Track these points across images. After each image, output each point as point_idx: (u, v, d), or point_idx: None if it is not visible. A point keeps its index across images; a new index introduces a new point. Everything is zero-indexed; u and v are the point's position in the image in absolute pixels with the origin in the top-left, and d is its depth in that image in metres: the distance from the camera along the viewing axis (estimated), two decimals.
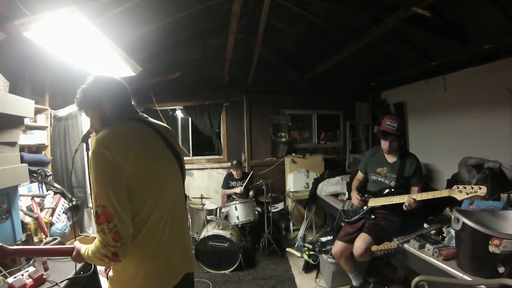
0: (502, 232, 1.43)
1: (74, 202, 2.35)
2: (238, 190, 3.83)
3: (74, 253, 1.05)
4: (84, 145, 1.14)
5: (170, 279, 1.04)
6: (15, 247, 1.15)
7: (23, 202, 1.92)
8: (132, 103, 1.15)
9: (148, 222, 0.97)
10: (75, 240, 1.12)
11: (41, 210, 2.02)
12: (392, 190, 2.19)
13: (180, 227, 1.13)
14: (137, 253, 0.96)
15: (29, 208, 1.94)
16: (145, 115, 1.16)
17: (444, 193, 1.84)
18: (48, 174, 2.30)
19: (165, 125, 1.23)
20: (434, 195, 1.89)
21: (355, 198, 2.35)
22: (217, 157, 4.64)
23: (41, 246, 1.35)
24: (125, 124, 1.03)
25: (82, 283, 1.50)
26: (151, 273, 0.99)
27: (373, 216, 2.23)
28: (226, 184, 4.04)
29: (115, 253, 0.87)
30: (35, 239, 1.89)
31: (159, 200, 1.00)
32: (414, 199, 1.95)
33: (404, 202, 2.04)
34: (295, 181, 4.26)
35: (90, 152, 0.92)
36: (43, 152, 2.48)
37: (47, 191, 2.24)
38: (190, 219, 3.72)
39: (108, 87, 1.09)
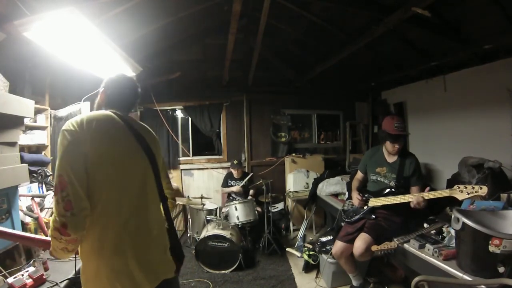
0: (502, 232, 1.43)
1: None
2: (234, 188, 3.85)
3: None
4: None
5: (142, 283, 1.00)
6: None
7: (23, 202, 1.92)
8: (124, 101, 1.20)
9: (109, 210, 0.98)
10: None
11: (41, 210, 2.01)
12: (392, 190, 2.19)
13: (154, 227, 1.10)
14: (95, 245, 0.97)
15: (29, 208, 1.93)
16: (127, 115, 1.19)
17: (445, 193, 1.83)
18: (48, 174, 2.30)
19: (146, 126, 1.27)
20: (435, 195, 1.89)
21: (356, 198, 2.35)
22: (217, 157, 4.64)
23: (24, 233, 1.35)
24: (100, 112, 1.09)
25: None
26: (116, 271, 0.97)
27: (373, 216, 2.23)
28: (225, 183, 4.04)
29: (64, 224, 0.88)
30: None
31: (120, 187, 1.02)
32: (423, 197, 1.92)
33: (403, 202, 2.04)
34: (295, 181, 4.26)
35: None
36: (43, 152, 2.48)
37: (47, 191, 2.23)
38: (190, 219, 3.73)
39: (110, 80, 1.20)
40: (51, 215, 2.06)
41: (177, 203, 3.84)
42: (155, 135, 1.29)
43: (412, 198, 1.99)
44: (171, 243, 1.18)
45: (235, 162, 3.94)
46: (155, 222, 1.13)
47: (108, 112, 1.10)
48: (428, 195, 1.93)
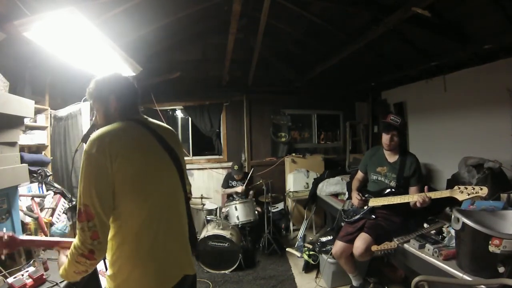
0: (502, 232, 1.43)
1: (74, 202, 2.34)
2: (239, 189, 3.81)
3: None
4: (84, 145, 1.15)
5: (166, 280, 1.04)
6: (24, 237, 1.19)
7: (23, 202, 1.92)
8: (137, 104, 1.17)
9: (141, 223, 0.99)
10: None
11: (41, 210, 2.01)
12: (393, 190, 2.19)
13: (177, 229, 1.13)
14: (131, 252, 0.99)
15: (29, 208, 1.93)
16: (145, 116, 1.17)
17: (445, 193, 1.83)
18: (48, 174, 2.30)
19: (167, 126, 1.24)
20: (435, 195, 1.89)
21: (356, 198, 2.35)
22: (217, 157, 4.64)
23: (48, 238, 1.38)
24: (122, 125, 1.03)
25: (82, 283, 1.50)
26: (146, 273, 1.00)
27: (373, 216, 2.23)
28: (226, 184, 4.03)
29: (91, 251, 0.90)
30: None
31: (151, 202, 1.01)
32: (429, 197, 1.91)
33: (403, 202, 2.04)
34: (295, 181, 4.26)
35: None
36: (43, 152, 2.48)
37: (47, 191, 2.23)
38: None
39: (118, 85, 1.11)
40: (51, 215, 2.06)
41: None
42: (175, 134, 1.27)
43: (412, 198, 1.99)
44: (190, 235, 1.22)
45: (236, 167, 3.83)
46: (183, 226, 1.16)
47: (129, 122, 1.06)
48: (429, 195, 1.93)
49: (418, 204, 1.96)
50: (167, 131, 1.21)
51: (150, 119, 1.19)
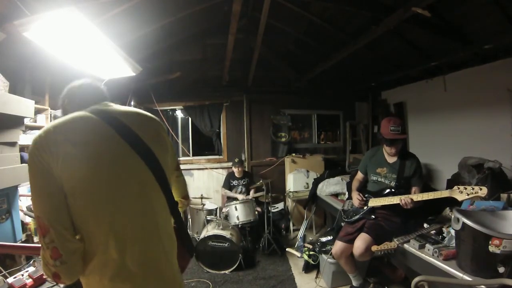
0: (502, 232, 1.43)
1: None
2: (240, 197, 3.81)
3: None
4: None
5: None
6: None
7: (23, 202, 1.92)
8: (96, 95, 1.00)
9: (94, 247, 0.79)
10: None
11: None
12: (393, 190, 2.19)
13: (156, 252, 0.88)
14: (95, 279, 0.82)
15: (29, 208, 1.94)
16: (109, 103, 0.97)
17: (444, 193, 1.83)
18: None
19: (141, 112, 1.00)
20: (435, 196, 1.89)
21: (356, 198, 2.35)
22: (217, 157, 4.64)
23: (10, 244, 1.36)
24: (70, 117, 0.86)
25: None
26: None
27: (373, 216, 2.23)
28: (227, 183, 4.03)
29: (55, 274, 0.75)
30: (35, 239, 1.89)
31: (110, 218, 0.80)
32: (411, 199, 1.95)
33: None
34: (295, 181, 4.26)
35: None
36: None
37: None
38: (190, 219, 3.73)
39: (71, 88, 1.02)
40: None
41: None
42: (154, 122, 1.02)
43: (411, 198, 2.00)
44: (182, 240, 1.04)
45: (236, 160, 3.96)
46: (163, 246, 0.91)
47: (80, 113, 0.87)
48: (422, 196, 1.95)
49: (401, 204, 2.00)
50: (138, 119, 0.96)
51: (116, 106, 0.96)
